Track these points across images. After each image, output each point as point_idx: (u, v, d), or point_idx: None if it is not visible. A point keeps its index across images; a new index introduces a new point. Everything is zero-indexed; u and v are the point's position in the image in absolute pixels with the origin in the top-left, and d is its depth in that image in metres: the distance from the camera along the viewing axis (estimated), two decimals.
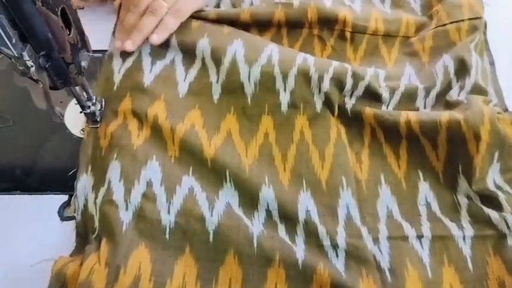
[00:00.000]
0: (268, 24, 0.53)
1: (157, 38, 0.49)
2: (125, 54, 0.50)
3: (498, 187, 0.42)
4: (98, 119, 0.47)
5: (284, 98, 0.47)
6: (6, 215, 0.43)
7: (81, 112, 0.46)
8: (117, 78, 0.48)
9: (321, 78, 0.46)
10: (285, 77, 0.46)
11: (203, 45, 0.49)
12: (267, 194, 0.42)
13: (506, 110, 0.49)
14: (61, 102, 0.49)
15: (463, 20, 0.51)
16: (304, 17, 0.52)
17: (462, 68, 0.48)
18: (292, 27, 0.53)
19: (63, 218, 0.43)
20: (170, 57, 0.50)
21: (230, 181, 0.43)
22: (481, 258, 0.40)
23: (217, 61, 0.48)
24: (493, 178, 0.42)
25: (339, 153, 0.45)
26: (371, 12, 0.53)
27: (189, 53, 0.50)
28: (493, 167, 0.42)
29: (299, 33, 0.53)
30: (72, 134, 0.48)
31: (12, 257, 0.41)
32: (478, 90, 0.47)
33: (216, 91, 0.48)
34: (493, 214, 0.41)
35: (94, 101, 0.46)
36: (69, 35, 0.38)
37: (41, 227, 0.42)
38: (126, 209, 0.39)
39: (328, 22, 0.52)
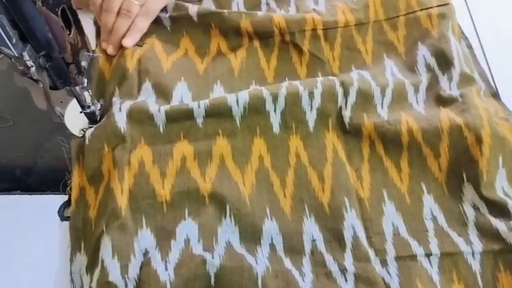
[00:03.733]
0: (237, 36, 0.51)
1: (130, 41, 0.49)
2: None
3: (506, 194, 0.42)
4: (98, 119, 0.47)
5: (275, 119, 0.45)
6: (6, 215, 0.43)
7: (81, 112, 0.46)
8: (89, 131, 0.44)
9: (311, 95, 0.45)
10: (274, 98, 0.45)
11: (182, 90, 0.47)
12: (271, 227, 0.41)
13: (494, 93, 0.50)
14: (61, 102, 0.49)
15: (432, 7, 0.53)
16: (271, 24, 0.51)
17: (444, 61, 0.49)
18: (263, 37, 0.51)
19: (63, 218, 0.43)
20: (141, 98, 0.47)
21: (230, 216, 0.41)
22: (491, 273, 0.39)
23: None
24: (501, 185, 0.42)
25: (338, 173, 0.44)
26: (336, 8, 0.53)
27: (164, 96, 0.47)
28: (499, 173, 0.42)
29: (272, 43, 0.51)
30: (72, 134, 0.48)
31: (12, 257, 0.41)
32: (465, 78, 0.47)
33: (199, 114, 0.44)
34: (500, 226, 0.40)
35: (94, 101, 0.46)
36: (69, 35, 0.38)
37: (41, 227, 0.42)
38: (126, 286, 0.37)
39: (297, 24, 0.51)
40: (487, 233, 0.40)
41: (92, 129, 0.44)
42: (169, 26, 0.53)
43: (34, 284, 0.40)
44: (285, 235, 0.41)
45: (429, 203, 0.43)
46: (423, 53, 0.50)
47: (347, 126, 0.46)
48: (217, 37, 0.52)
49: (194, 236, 0.40)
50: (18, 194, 0.45)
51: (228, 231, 0.41)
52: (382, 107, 0.47)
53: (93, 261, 0.38)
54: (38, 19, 0.34)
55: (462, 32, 0.54)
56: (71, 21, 0.38)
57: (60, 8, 0.36)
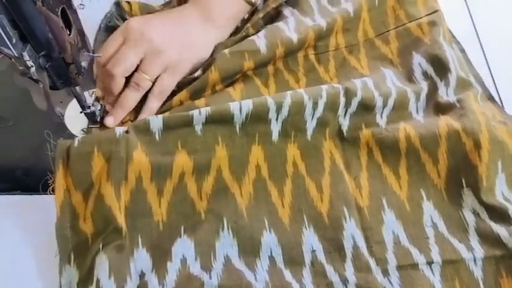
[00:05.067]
0: (235, 75, 0.49)
1: None
2: None
3: (506, 199, 0.42)
4: (98, 119, 0.47)
5: (275, 127, 0.45)
6: (6, 215, 0.43)
7: (81, 112, 0.46)
8: (80, 136, 0.42)
9: (315, 105, 0.44)
10: (279, 107, 0.44)
11: None
12: (269, 239, 0.40)
13: (490, 96, 0.50)
14: (61, 102, 0.49)
15: (421, 17, 0.53)
16: (272, 60, 0.50)
17: (441, 67, 0.48)
18: (258, 68, 0.50)
19: None
20: None
21: (228, 229, 0.40)
22: (494, 280, 0.39)
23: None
24: (501, 190, 0.42)
25: (336, 183, 0.43)
26: (334, 25, 0.52)
27: None
28: (499, 177, 0.42)
29: (265, 72, 0.51)
30: (72, 134, 0.48)
31: (12, 257, 0.41)
32: (462, 83, 0.47)
33: (199, 121, 0.43)
34: (502, 232, 0.40)
35: (94, 101, 0.46)
36: (69, 35, 0.38)
37: (41, 227, 0.42)
38: None
39: (291, 53, 0.51)
40: (488, 238, 0.40)
41: (84, 135, 0.43)
42: None
43: (34, 284, 0.40)
44: (284, 246, 0.40)
45: (429, 210, 0.42)
46: (418, 61, 0.50)
47: (345, 134, 0.46)
48: (214, 78, 0.48)
49: (190, 254, 0.39)
50: (18, 194, 0.45)
51: (226, 245, 0.40)
52: (381, 116, 0.47)
53: (87, 278, 0.37)
54: (38, 19, 0.34)
55: (453, 36, 0.54)
56: (71, 21, 0.38)
57: (60, 8, 0.36)
